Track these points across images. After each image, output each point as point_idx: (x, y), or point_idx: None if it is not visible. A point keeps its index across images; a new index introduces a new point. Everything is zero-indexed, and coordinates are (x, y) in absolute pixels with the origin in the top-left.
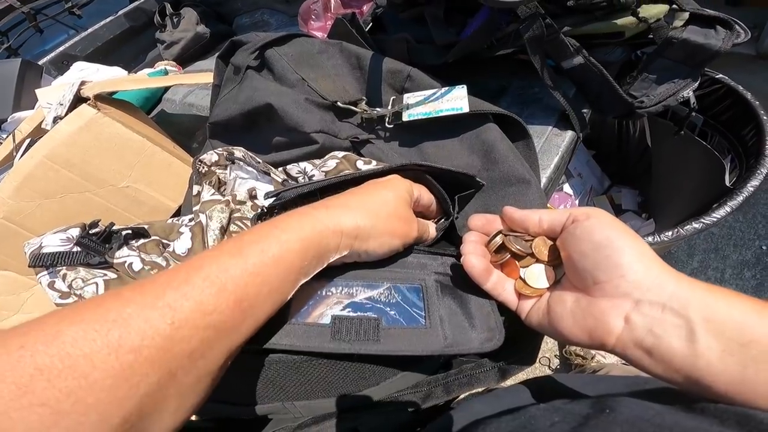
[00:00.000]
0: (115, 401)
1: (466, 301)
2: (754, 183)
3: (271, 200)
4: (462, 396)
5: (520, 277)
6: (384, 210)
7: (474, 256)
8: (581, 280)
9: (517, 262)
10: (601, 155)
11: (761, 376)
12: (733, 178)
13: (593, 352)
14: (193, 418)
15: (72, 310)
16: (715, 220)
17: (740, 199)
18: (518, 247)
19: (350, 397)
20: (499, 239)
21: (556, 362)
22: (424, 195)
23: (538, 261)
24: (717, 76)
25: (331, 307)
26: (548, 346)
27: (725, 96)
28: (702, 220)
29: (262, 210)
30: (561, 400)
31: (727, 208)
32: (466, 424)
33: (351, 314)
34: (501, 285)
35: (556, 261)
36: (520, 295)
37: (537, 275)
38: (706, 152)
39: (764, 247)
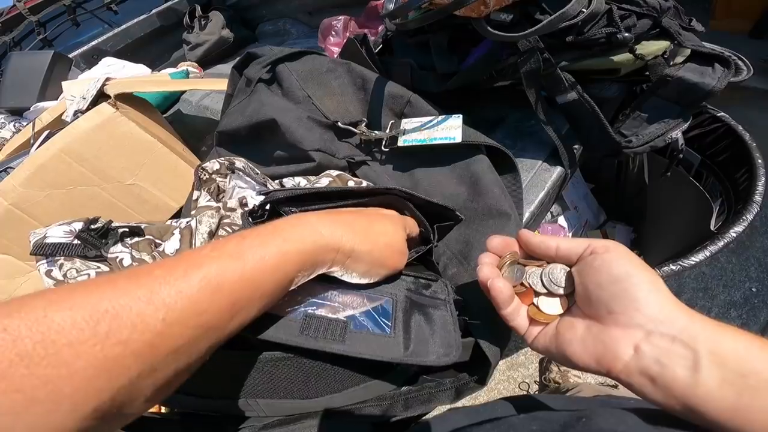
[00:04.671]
0: (91, 392)
1: (431, 317)
2: (737, 229)
3: (261, 197)
4: (438, 411)
5: (533, 304)
6: (382, 240)
7: (501, 280)
8: (594, 308)
9: (534, 288)
10: (599, 189)
11: (756, 403)
12: (719, 222)
13: (570, 376)
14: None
15: (63, 294)
16: (692, 263)
17: (720, 244)
18: (538, 280)
19: (313, 402)
20: (508, 258)
21: (535, 387)
22: (414, 230)
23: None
24: (718, 114)
25: (304, 305)
26: (529, 372)
27: (724, 136)
28: (680, 263)
29: (254, 207)
30: (541, 411)
31: (707, 253)
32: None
33: (322, 314)
34: (516, 311)
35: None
36: (531, 320)
37: (551, 302)
38: (698, 194)
39: (754, 289)
